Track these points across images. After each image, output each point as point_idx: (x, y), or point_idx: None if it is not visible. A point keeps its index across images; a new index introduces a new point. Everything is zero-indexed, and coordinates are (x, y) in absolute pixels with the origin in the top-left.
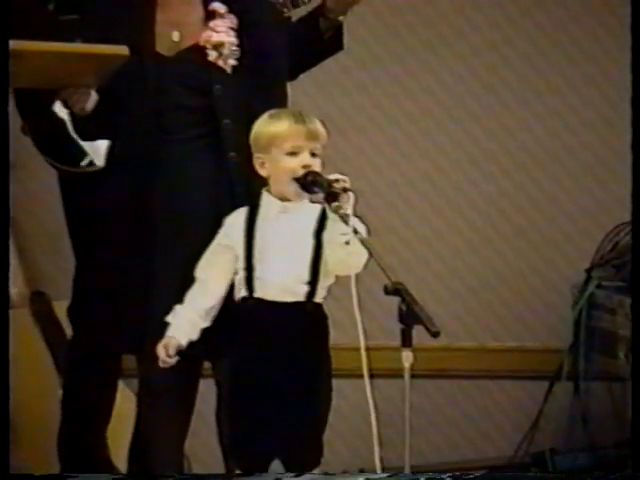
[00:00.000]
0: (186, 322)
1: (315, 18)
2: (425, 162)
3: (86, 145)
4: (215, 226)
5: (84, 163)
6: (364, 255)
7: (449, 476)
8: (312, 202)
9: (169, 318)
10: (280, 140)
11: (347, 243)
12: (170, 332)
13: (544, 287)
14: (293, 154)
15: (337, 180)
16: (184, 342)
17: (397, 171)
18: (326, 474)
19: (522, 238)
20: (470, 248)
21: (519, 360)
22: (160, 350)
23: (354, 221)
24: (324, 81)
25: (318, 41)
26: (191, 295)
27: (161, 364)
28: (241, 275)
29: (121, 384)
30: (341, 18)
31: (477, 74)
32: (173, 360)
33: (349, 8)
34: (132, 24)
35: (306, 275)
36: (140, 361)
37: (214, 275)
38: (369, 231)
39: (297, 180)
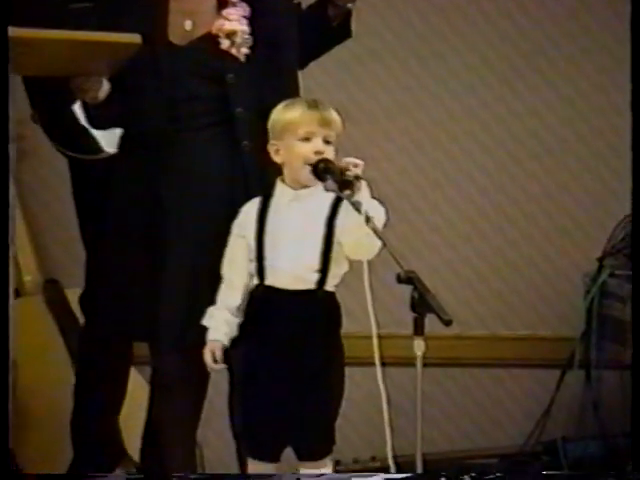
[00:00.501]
0: (223, 323)
1: (323, 5)
2: (436, 150)
3: (98, 134)
4: (229, 214)
5: (97, 155)
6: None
7: (470, 476)
8: (326, 190)
9: (205, 322)
10: (294, 126)
11: (367, 221)
12: (211, 336)
13: (556, 275)
14: (306, 140)
15: (349, 168)
16: (227, 342)
17: (408, 159)
18: (342, 471)
19: (534, 226)
20: (482, 236)
21: (531, 348)
22: (207, 356)
23: (368, 208)
24: (336, 70)
25: (326, 29)
26: (222, 295)
27: (209, 369)
28: (253, 263)
29: (134, 372)
30: (350, 5)
31: (489, 63)
32: (221, 365)
33: None
34: (145, 13)
35: (317, 263)
36: (152, 349)
37: (238, 271)
38: (388, 213)
39: (310, 166)
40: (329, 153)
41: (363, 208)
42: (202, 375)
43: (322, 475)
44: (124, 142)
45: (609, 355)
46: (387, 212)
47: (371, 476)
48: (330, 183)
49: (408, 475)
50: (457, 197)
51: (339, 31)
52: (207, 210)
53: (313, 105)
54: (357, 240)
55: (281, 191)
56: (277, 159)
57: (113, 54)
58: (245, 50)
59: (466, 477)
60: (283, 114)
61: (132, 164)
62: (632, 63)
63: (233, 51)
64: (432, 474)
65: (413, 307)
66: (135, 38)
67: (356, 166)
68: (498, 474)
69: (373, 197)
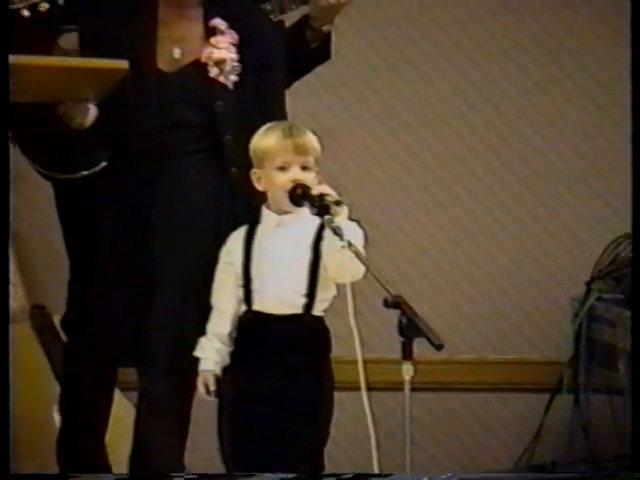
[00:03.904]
0: (214, 353)
1: (301, 28)
2: (424, 174)
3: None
4: (216, 240)
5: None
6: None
7: (447, 477)
8: (313, 214)
9: (197, 352)
10: (270, 155)
11: (346, 246)
12: (203, 366)
13: (544, 300)
14: (283, 169)
15: (328, 192)
16: (219, 371)
17: (396, 182)
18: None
19: (522, 251)
20: (470, 260)
21: (519, 373)
22: (200, 387)
23: (349, 232)
24: (323, 92)
25: (305, 51)
26: (212, 324)
27: (201, 399)
28: (241, 289)
29: (120, 396)
30: (326, 28)
31: (475, 85)
32: (213, 397)
33: (333, 17)
34: (133, 40)
35: (303, 287)
36: (140, 373)
37: (227, 298)
38: (367, 237)
39: (287, 193)
40: (308, 179)
41: (344, 233)
42: (188, 398)
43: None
44: (111, 166)
45: (598, 379)
46: (367, 235)
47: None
48: (309, 208)
49: (388, 473)
50: (445, 221)
51: (318, 53)
52: (196, 237)
53: (288, 133)
54: (341, 263)
55: (267, 217)
56: (259, 187)
57: (100, 80)
58: (233, 78)
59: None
60: (260, 142)
61: (120, 189)
62: (632, 76)
63: (221, 79)
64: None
65: (401, 331)
66: (122, 64)
67: (327, 195)
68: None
69: (352, 219)
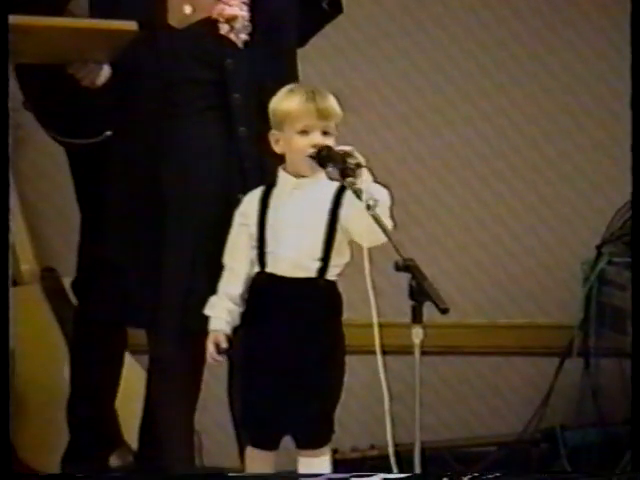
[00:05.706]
0: (225, 312)
1: None
2: (435, 138)
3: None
4: (225, 200)
5: (91, 139)
6: (387, 223)
7: (470, 478)
8: (330, 178)
9: (207, 311)
10: (291, 118)
11: (368, 208)
12: (213, 325)
13: (554, 263)
14: (304, 133)
15: (349, 154)
16: (229, 331)
17: (407, 147)
18: (341, 460)
19: (533, 215)
20: (481, 224)
21: (529, 336)
22: (210, 346)
23: (372, 193)
24: (333, 56)
25: (317, 8)
26: (223, 284)
27: (210, 361)
28: (255, 251)
29: (131, 360)
30: None
31: (487, 50)
32: (223, 357)
33: None
34: None
35: (318, 251)
36: (151, 336)
37: (240, 259)
38: (393, 198)
39: (312, 156)
40: (328, 144)
41: (364, 196)
42: (199, 361)
43: (321, 475)
44: (121, 125)
45: (608, 343)
46: (392, 197)
47: (370, 476)
48: (332, 171)
49: (407, 475)
50: (456, 185)
51: (330, 8)
52: (205, 197)
53: (311, 96)
54: (368, 225)
55: (283, 179)
56: (277, 149)
57: (109, 41)
58: (244, 36)
59: (467, 478)
60: (281, 104)
61: (129, 148)
62: (632, 52)
63: (232, 37)
64: (432, 474)
65: (411, 295)
66: (131, 25)
67: (350, 154)
68: (497, 474)
69: (377, 182)
